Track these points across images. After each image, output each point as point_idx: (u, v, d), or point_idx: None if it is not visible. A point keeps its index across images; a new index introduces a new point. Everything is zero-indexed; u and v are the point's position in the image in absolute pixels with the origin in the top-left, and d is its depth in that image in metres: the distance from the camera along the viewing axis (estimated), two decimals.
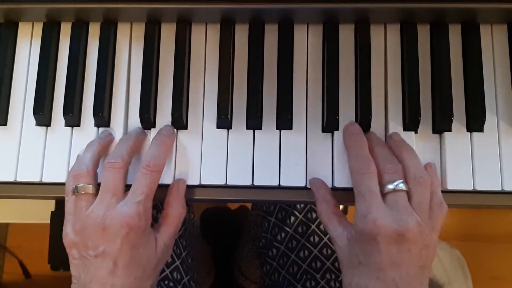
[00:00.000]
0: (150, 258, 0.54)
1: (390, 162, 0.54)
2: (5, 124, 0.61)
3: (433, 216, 0.52)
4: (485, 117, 0.58)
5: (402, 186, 0.52)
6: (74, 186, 0.54)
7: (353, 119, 0.59)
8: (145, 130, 0.60)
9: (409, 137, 0.58)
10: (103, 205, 0.52)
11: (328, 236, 0.79)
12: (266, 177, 0.58)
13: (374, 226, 0.49)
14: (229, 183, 0.58)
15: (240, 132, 0.60)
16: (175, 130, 0.60)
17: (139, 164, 0.55)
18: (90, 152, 0.56)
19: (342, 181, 0.58)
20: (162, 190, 0.58)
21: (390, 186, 0.52)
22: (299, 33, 0.62)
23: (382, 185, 0.52)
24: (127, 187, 0.55)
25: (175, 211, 0.57)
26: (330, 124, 0.59)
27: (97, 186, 0.55)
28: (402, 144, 0.57)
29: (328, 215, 0.56)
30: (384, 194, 0.52)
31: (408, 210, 0.51)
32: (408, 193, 0.52)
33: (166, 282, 0.73)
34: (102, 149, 0.58)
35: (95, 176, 0.56)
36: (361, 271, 0.51)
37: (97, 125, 0.60)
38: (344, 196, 0.58)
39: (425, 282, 0.51)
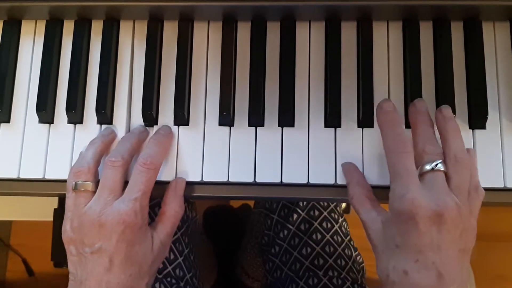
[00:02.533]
0: (147, 256, 0.54)
1: (430, 143, 0.52)
2: (8, 121, 0.61)
3: (471, 200, 0.50)
4: (487, 114, 0.58)
5: (440, 166, 0.50)
6: (74, 183, 0.54)
7: (355, 115, 0.59)
8: (147, 128, 0.60)
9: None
10: (100, 202, 0.53)
11: (330, 233, 0.79)
12: (268, 174, 0.59)
13: (412, 205, 0.47)
14: (231, 180, 0.59)
15: (242, 129, 0.60)
16: (174, 128, 0.60)
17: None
18: (92, 150, 0.56)
19: (344, 178, 0.58)
20: (164, 187, 0.58)
21: (428, 167, 0.50)
22: (301, 30, 0.62)
23: (420, 165, 0.50)
24: (126, 185, 0.55)
25: (171, 209, 0.57)
26: (332, 121, 0.59)
27: (98, 183, 0.55)
28: (450, 121, 0.54)
29: (361, 198, 0.54)
30: (421, 174, 0.50)
31: (446, 190, 0.49)
32: (447, 174, 0.50)
33: (168, 279, 0.73)
34: (105, 146, 0.58)
35: (96, 173, 0.56)
36: (398, 254, 0.49)
37: (100, 122, 0.61)
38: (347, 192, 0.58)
39: (465, 268, 0.49)
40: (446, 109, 0.55)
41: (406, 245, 0.48)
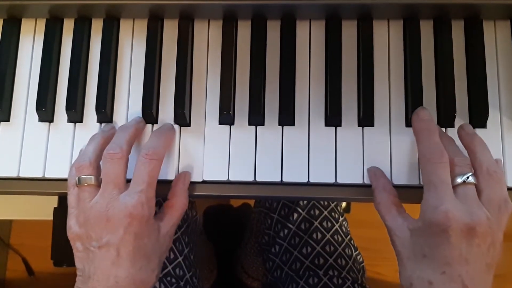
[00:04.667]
0: (155, 248, 0.54)
1: (458, 155, 0.52)
2: (8, 120, 0.61)
3: (500, 213, 0.50)
4: (488, 113, 0.58)
5: (471, 179, 0.50)
6: (77, 178, 0.54)
7: (356, 115, 0.59)
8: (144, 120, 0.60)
9: (411, 132, 0.58)
10: (105, 197, 0.52)
11: (331, 232, 0.79)
12: (268, 173, 0.58)
13: (446, 218, 0.47)
14: (231, 179, 0.59)
15: (242, 128, 0.60)
16: (175, 126, 0.60)
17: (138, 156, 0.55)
18: (92, 145, 0.56)
19: (345, 177, 0.58)
20: (166, 186, 0.58)
21: (459, 180, 0.50)
22: (302, 29, 0.62)
23: (451, 178, 0.50)
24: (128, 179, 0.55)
25: (180, 202, 0.57)
26: (332, 120, 0.59)
27: (100, 178, 0.55)
28: (475, 136, 0.55)
29: (387, 205, 0.54)
30: (453, 186, 0.50)
31: (478, 204, 0.49)
32: (477, 187, 0.51)
33: (168, 278, 0.73)
34: (105, 142, 0.57)
35: (98, 167, 0.55)
36: (425, 264, 0.49)
37: (100, 121, 0.61)
38: (349, 192, 0.58)
39: (489, 281, 0.50)
40: (467, 126, 0.56)
41: (435, 257, 0.49)
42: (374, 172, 0.57)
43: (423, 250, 0.49)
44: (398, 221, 0.53)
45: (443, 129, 0.59)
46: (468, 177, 0.50)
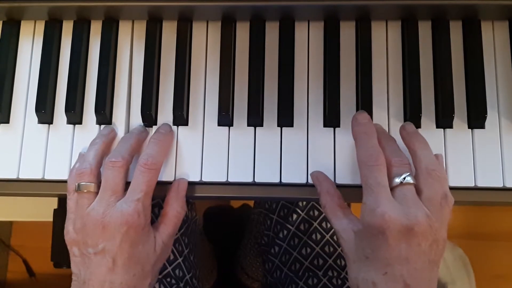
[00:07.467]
0: (149, 256, 0.55)
1: (397, 155, 0.52)
2: (7, 122, 0.61)
3: (441, 209, 0.51)
4: (486, 114, 0.58)
5: (409, 179, 0.50)
6: (77, 184, 0.54)
7: None
8: (147, 128, 0.60)
9: None
10: (103, 204, 0.53)
11: (330, 233, 0.79)
12: (267, 174, 0.59)
13: (383, 220, 0.48)
14: (230, 180, 0.59)
15: (241, 129, 0.60)
16: (173, 128, 0.60)
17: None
18: (93, 151, 0.57)
19: (344, 178, 0.58)
20: (164, 188, 0.59)
21: (397, 180, 0.50)
22: (300, 30, 0.62)
23: (389, 179, 0.51)
24: (127, 185, 0.55)
25: (173, 210, 0.58)
26: (331, 121, 0.59)
27: (99, 184, 0.55)
28: (415, 135, 0.55)
29: (332, 207, 0.55)
30: (392, 188, 0.51)
31: (417, 203, 0.49)
32: (418, 186, 0.51)
33: (168, 279, 0.73)
34: (105, 146, 0.58)
35: (98, 174, 0.56)
36: (368, 265, 0.50)
37: (99, 122, 0.61)
38: (347, 193, 0.58)
39: (434, 277, 0.50)
40: (408, 125, 0.57)
41: (376, 258, 0.49)
42: (316, 177, 0.57)
43: (366, 252, 0.50)
44: (344, 224, 0.53)
45: (439, 131, 0.59)
46: (405, 178, 0.50)
